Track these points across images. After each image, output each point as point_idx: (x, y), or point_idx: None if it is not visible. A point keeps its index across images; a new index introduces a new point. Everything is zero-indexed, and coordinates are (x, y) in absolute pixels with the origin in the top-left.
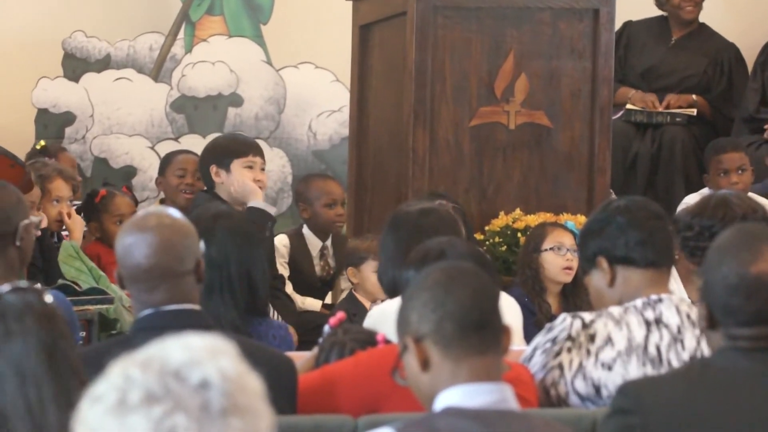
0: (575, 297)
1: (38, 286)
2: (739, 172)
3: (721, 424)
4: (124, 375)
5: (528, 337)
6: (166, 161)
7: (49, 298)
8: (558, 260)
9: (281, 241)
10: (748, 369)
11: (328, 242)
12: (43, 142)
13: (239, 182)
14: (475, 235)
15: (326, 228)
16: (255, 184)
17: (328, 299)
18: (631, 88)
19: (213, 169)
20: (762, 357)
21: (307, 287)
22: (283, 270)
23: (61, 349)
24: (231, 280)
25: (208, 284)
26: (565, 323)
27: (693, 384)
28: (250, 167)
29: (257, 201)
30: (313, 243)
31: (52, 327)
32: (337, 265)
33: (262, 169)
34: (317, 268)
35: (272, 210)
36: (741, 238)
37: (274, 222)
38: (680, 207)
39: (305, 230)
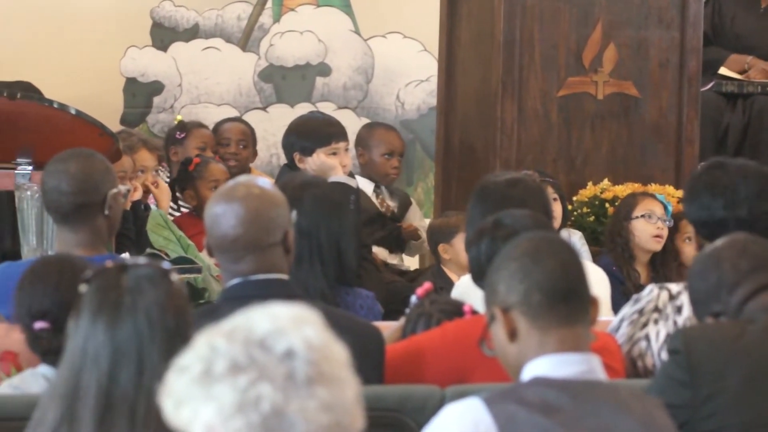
0: (664, 267)
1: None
2: None
3: (757, 368)
4: (209, 345)
5: (615, 306)
6: (214, 131)
7: (175, 276)
8: (649, 228)
9: None
10: None
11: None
12: (180, 117)
13: (316, 162)
14: None
15: (380, 178)
16: (337, 164)
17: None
18: (746, 55)
19: (296, 156)
20: None
21: (371, 223)
22: None
23: (182, 333)
24: (321, 249)
25: (297, 253)
26: (651, 294)
27: (738, 326)
28: (334, 153)
29: (338, 176)
30: (365, 185)
31: (178, 309)
32: (399, 206)
33: (346, 150)
34: (377, 205)
35: (354, 183)
36: None
37: (357, 195)
38: None
39: (357, 177)
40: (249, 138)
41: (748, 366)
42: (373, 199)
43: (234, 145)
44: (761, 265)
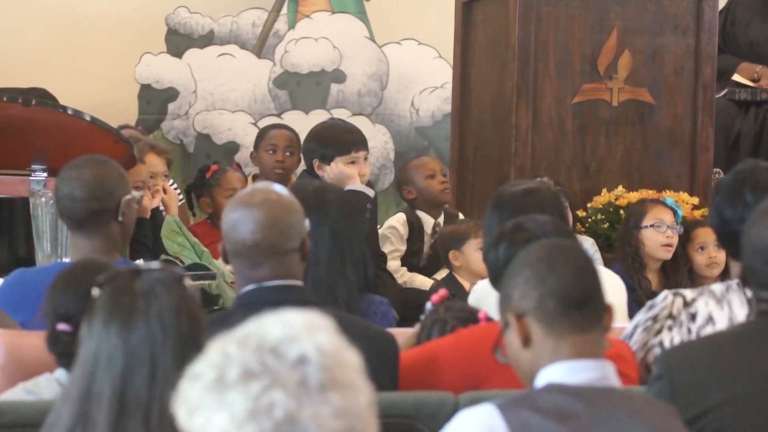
0: (675, 273)
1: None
2: None
3: (742, 384)
4: (221, 352)
5: (628, 313)
6: (260, 136)
7: (189, 281)
8: (658, 237)
9: (399, 220)
10: None
11: (440, 219)
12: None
13: (335, 171)
14: (578, 212)
15: (435, 199)
16: (355, 173)
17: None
18: (756, 64)
19: (315, 162)
20: None
21: (417, 266)
22: (401, 245)
23: (196, 338)
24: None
25: (327, 257)
26: (666, 301)
27: (718, 347)
28: (353, 162)
29: (354, 184)
30: (427, 222)
31: (191, 314)
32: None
33: (366, 159)
34: (425, 246)
35: (371, 192)
36: None
37: (373, 203)
38: None
39: (419, 213)
40: (295, 145)
41: (732, 382)
42: (428, 238)
43: (281, 152)
44: None
